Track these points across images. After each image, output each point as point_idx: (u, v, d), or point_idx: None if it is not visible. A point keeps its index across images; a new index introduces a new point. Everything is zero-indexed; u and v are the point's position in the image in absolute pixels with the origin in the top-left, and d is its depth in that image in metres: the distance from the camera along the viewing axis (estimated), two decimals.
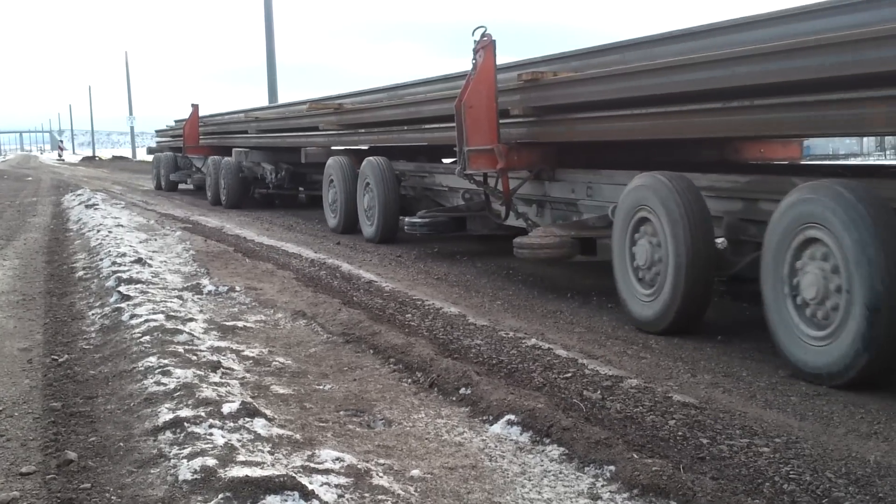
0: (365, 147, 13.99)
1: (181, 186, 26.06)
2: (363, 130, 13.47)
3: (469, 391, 5.13)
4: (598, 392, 5.13)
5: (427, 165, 12.18)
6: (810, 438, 4.32)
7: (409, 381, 5.53)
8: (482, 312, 7.45)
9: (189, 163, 24.32)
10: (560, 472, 4.02)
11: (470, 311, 7.47)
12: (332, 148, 14.85)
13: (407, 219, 10.82)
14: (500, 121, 8.58)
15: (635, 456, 4.00)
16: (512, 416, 4.63)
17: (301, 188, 18.70)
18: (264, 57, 33.04)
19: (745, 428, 4.48)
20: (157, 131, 31.13)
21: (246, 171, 19.19)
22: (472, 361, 5.86)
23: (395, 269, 9.85)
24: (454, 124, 8.77)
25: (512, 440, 4.45)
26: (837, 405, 4.87)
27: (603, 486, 3.85)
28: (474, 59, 8.43)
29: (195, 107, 22.61)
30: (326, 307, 7.46)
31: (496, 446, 4.38)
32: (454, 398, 5.14)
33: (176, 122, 27.33)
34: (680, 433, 4.44)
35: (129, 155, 76.72)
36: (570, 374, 5.48)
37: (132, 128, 78.40)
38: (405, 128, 12.05)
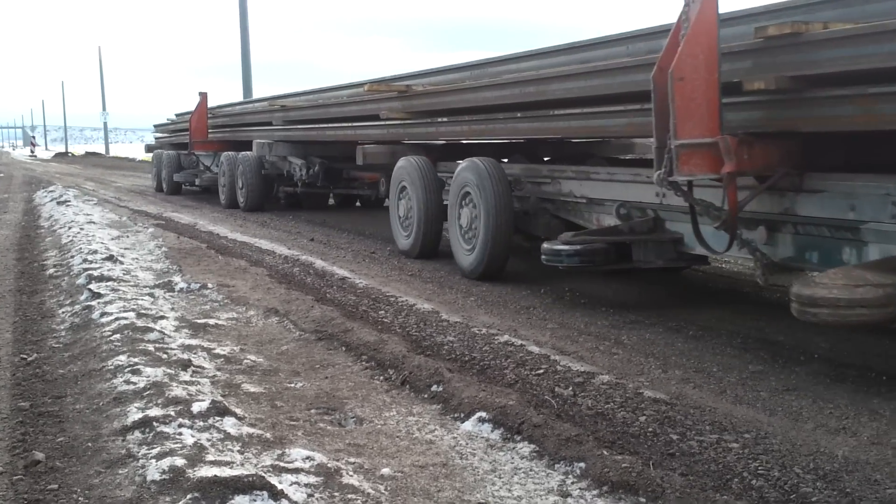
0: (441, 142, 11.55)
1: (186, 188, 22.70)
2: (445, 119, 10.26)
3: (441, 388, 5.13)
4: (570, 388, 5.14)
5: (554, 168, 8.93)
6: (779, 434, 4.35)
7: (382, 378, 5.53)
8: (455, 309, 7.45)
9: (195, 161, 21.51)
10: (530, 470, 4.03)
11: (443, 307, 7.46)
12: (392, 143, 12.19)
13: (546, 245, 7.53)
14: (723, 100, 5.72)
15: (605, 452, 4.02)
16: (483, 414, 4.63)
17: (332, 186, 16.05)
18: (239, 53, 32.88)
19: (715, 423, 4.50)
20: (155, 126, 27.83)
21: (269, 167, 16.80)
22: (444, 358, 5.86)
23: (369, 266, 9.83)
24: (602, 109, 7.17)
25: (483, 437, 4.45)
26: (807, 400, 4.91)
27: (573, 483, 3.86)
28: (685, 8, 5.65)
29: (203, 96, 19.86)
30: (299, 304, 7.43)
31: (467, 444, 4.38)
32: (426, 395, 5.13)
33: (177, 115, 24.82)
34: (650, 429, 4.45)
35: (103, 151, 76.15)
36: (542, 371, 5.49)
37: (105, 123, 77.84)
38: (518, 115, 8.82)
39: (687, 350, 6.02)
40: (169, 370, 5.27)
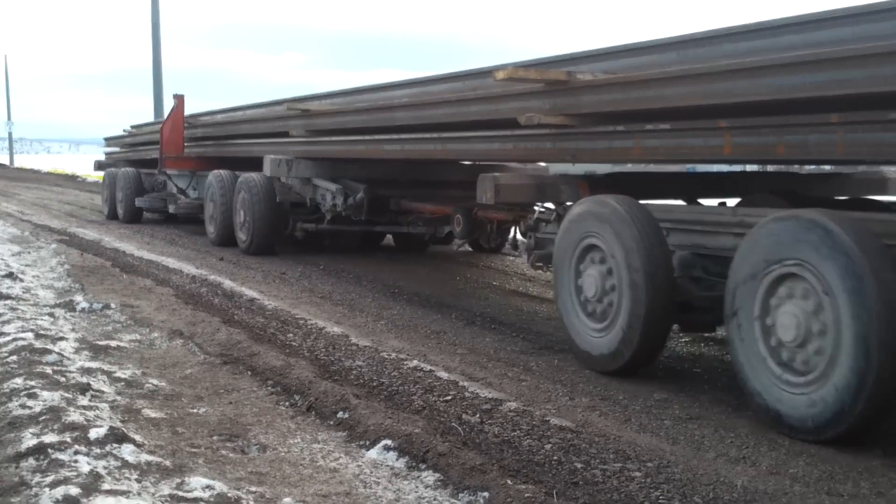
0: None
1: (148, 216, 18.30)
2: (650, 128, 6.38)
3: (347, 415, 5.07)
4: (478, 415, 5.14)
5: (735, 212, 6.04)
6: (681, 462, 4.40)
7: (287, 404, 5.44)
8: (365, 332, 7.40)
9: (161, 182, 17.14)
10: (434, 499, 4.00)
11: (353, 330, 7.41)
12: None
13: None
14: None
15: (509, 482, 4.01)
16: (389, 441, 4.59)
17: (377, 221, 11.92)
18: (150, 62, 32.34)
19: (619, 452, 4.54)
20: (107, 140, 23.47)
21: (284, 193, 12.32)
22: (352, 384, 5.80)
23: (279, 287, 9.71)
24: None
25: (388, 466, 4.41)
26: (709, 429, 4.98)
27: None
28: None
29: (179, 99, 16.07)
30: (205, 326, 7.29)
31: (371, 472, 4.33)
32: (332, 422, 5.07)
33: (133, 127, 21.21)
34: (555, 458, 4.47)
35: (6, 162, 74.07)
36: (450, 397, 5.47)
37: (10, 133, 75.77)
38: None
39: (594, 377, 6.07)
40: (67, 394, 5.11)
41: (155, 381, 5.78)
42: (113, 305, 8.14)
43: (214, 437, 4.79)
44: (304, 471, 4.34)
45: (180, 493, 3.87)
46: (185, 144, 15.84)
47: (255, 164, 12.67)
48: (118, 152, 21.55)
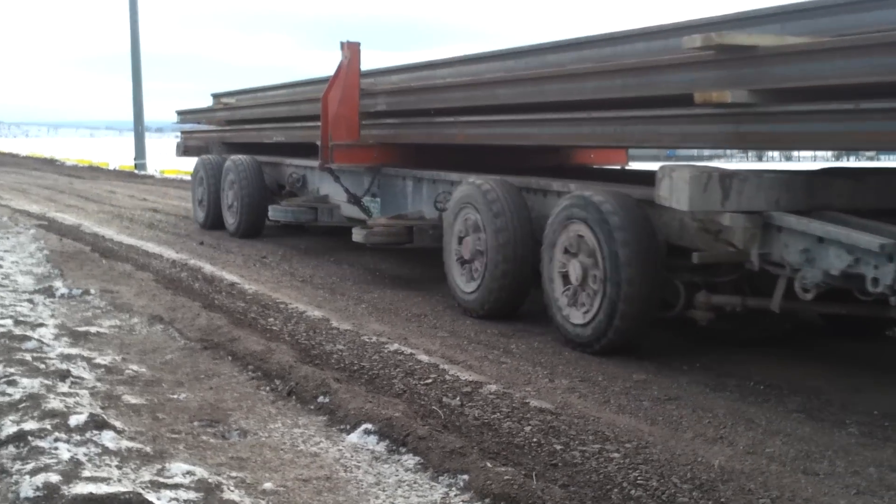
0: None
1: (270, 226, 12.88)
2: None
3: (328, 399, 5.09)
4: (458, 398, 5.16)
5: None
6: (659, 443, 4.44)
7: (268, 388, 5.45)
8: (346, 316, 7.41)
9: (299, 178, 11.97)
10: (414, 482, 4.02)
11: (334, 314, 7.41)
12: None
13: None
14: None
15: (489, 464, 4.04)
16: (369, 425, 4.61)
17: None
18: (128, 45, 32.08)
19: (598, 433, 4.57)
20: (181, 113, 17.03)
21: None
22: (333, 368, 5.81)
23: (260, 271, 9.70)
24: None
25: (368, 450, 4.43)
26: (687, 410, 5.02)
27: (456, 495, 3.87)
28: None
29: (352, 50, 9.56)
30: (185, 311, 7.28)
31: (352, 456, 4.35)
32: (312, 407, 5.08)
33: (231, 94, 15.42)
34: (535, 440, 4.50)
35: None
36: (430, 381, 5.50)
37: None
38: None
39: (574, 359, 6.11)
40: (46, 381, 5.10)
41: (135, 367, 5.77)
42: (92, 291, 8.11)
43: (195, 423, 4.79)
44: (284, 455, 4.35)
45: (161, 479, 3.87)
46: (361, 125, 9.70)
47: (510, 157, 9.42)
48: (209, 131, 15.65)
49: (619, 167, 10.14)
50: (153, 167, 31.23)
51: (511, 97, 7.69)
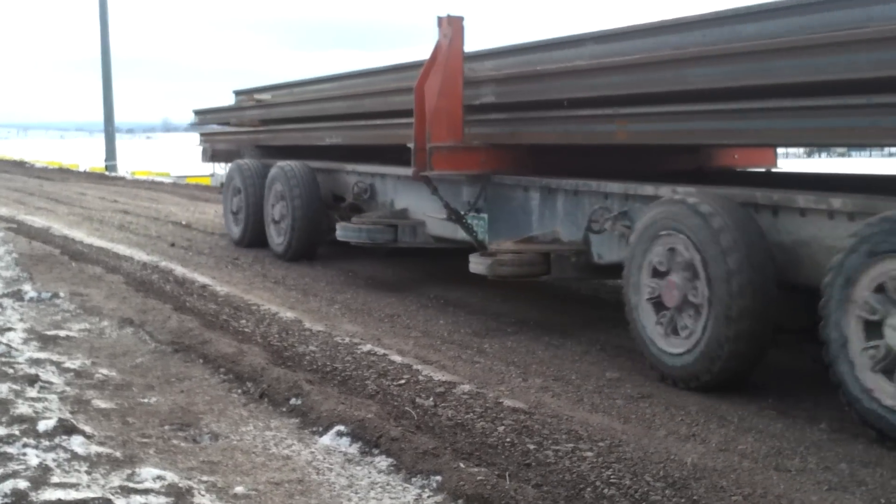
0: None
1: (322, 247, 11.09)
2: None
3: (300, 401, 5.06)
4: (431, 399, 5.14)
5: None
6: (632, 441, 4.44)
7: (239, 391, 5.41)
8: (319, 317, 7.37)
9: (366, 188, 9.76)
10: (387, 484, 4.01)
11: (306, 315, 7.38)
12: None
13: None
14: None
15: (462, 465, 4.02)
16: (342, 427, 4.58)
17: None
18: (99, 46, 31.81)
19: (572, 432, 4.57)
20: (198, 113, 14.79)
21: None
22: (305, 369, 5.78)
23: (231, 273, 9.64)
24: None
25: (341, 452, 4.41)
26: (660, 407, 5.03)
27: (429, 497, 3.85)
28: None
29: (455, 26, 7.47)
30: (156, 314, 7.22)
31: (324, 458, 4.33)
32: (284, 409, 5.05)
33: (242, 93, 13.53)
34: (508, 439, 4.49)
35: None
36: (403, 381, 5.47)
37: None
38: None
39: (547, 358, 6.11)
40: (15, 386, 5.04)
41: (105, 371, 5.72)
42: (62, 294, 8.03)
43: (166, 427, 4.75)
44: (256, 459, 4.32)
45: (131, 485, 3.84)
46: (466, 120, 7.66)
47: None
48: (238, 133, 13.43)
49: (764, 170, 8.43)
50: (124, 168, 31.03)
51: (713, 80, 5.68)
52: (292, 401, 5.10)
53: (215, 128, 15.11)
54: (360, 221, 9.04)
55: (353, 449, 4.41)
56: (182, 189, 22.63)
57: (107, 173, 29.91)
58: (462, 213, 7.81)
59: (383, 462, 4.22)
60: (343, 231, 9.09)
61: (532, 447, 4.38)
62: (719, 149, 8.09)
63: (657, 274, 5.64)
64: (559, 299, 8.15)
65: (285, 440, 4.59)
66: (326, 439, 4.54)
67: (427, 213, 8.56)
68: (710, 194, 5.56)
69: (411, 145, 7.54)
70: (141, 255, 10.65)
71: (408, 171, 7.94)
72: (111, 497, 3.60)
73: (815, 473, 4.06)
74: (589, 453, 4.28)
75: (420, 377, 5.53)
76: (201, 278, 9.06)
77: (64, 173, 30.32)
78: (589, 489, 3.90)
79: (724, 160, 8.25)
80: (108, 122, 32.23)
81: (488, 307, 7.78)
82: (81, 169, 32.72)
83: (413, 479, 4.02)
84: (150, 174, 28.83)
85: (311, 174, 10.34)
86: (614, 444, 4.39)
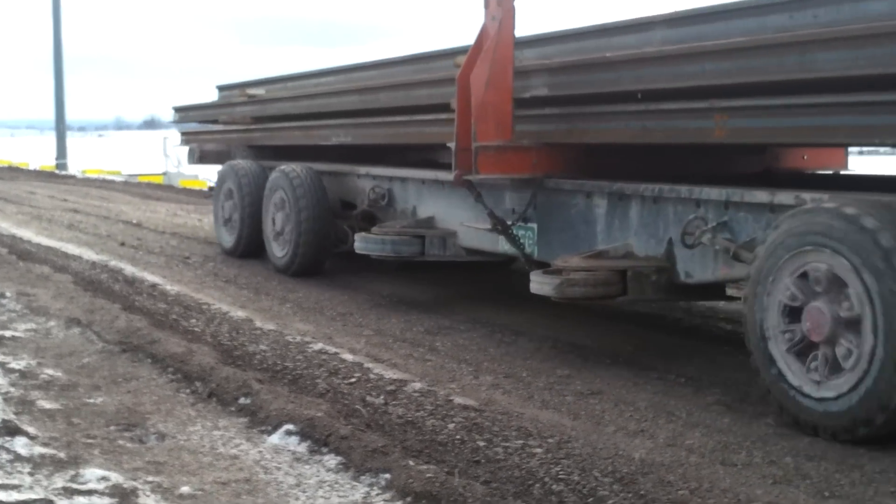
0: None
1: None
2: None
3: (249, 401, 5.02)
4: (382, 397, 5.13)
5: None
6: (581, 438, 4.46)
7: (188, 391, 5.36)
8: (270, 316, 7.32)
9: (383, 194, 8.68)
10: (336, 483, 3.99)
11: (258, 314, 7.32)
12: None
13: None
14: None
15: (411, 463, 4.01)
16: (291, 426, 4.56)
17: None
18: (51, 43, 31.39)
19: (521, 429, 4.57)
20: (178, 110, 13.57)
21: None
22: (255, 369, 5.74)
23: (182, 272, 9.54)
24: None
25: (289, 451, 4.38)
26: (609, 404, 5.05)
27: (377, 494, 3.84)
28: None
29: (505, 11, 6.37)
30: (104, 314, 7.12)
31: (273, 458, 4.30)
32: (233, 408, 5.01)
33: (227, 88, 12.68)
34: (458, 437, 4.48)
35: None
36: (354, 380, 5.45)
37: None
38: None
39: (499, 355, 6.11)
40: None
41: (50, 372, 5.64)
42: (8, 294, 7.90)
43: (111, 428, 4.69)
44: (203, 458, 4.28)
45: (74, 486, 3.79)
46: (515, 115, 6.59)
47: None
48: (227, 132, 12.08)
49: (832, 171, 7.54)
50: (75, 167, 30.61)
51: (849, 66, 4.62)
52: (241, 400, 5.06)
53: (193, 125, 13.79)
54: (383, 232, 7.89)
55: (302, 448, 4.38)
56: (133, 188, 22.40)
57: (57, 172, 29.50)
58: (510, 223, 6.76)
59: (332, 460, 4.20)
60: (363, 243, 7.95)
61: (482, 444, 4.38)
62: (788, 149, 7.18)
63: (794, 304, 4.62)
64: (513, 297, 8.16)
65: (233, 440, 4.55)
66: (275, 438, 4.51)
67: (462, 222, 7.48)
68: (869, 203, 4.46)
69: (451, 145, 6.54)
70: (90, 255, 10.50)
71: (434, 174, 7.62)
72: (53, 498, 3.55)
73: (761, 467, 4.10)
74: (538, 449, 4.29)
75: (371, 375, 5.51)
76: (151, 277, 8.96)
77: (13, 172, 29.85)
78: (537, 485, 3.90)
79: (792, 161, 7.33)
80: (59, 120, 31.83)
81: (441, 305, 7.78)
82: (31, 167, 32.26)
83: (362, 478, 4.00)
84: (101, 172, 28.48)
85: (318, 179, 9.16)
86: (563, 441, 4.40)
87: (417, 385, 5.30)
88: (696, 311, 7.38)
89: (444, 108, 7.04)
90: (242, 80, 12.52)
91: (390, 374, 5.55)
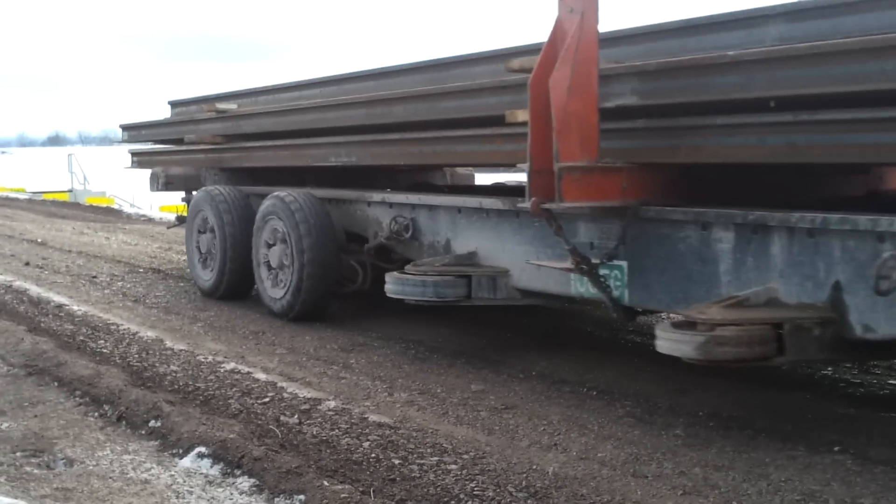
0: None
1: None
2: None
3: (160, 423, 4.94)
4: (296, 416, 5.09)
5: None
6: (496, 453, 4.49)
7: (96, 414, 5.25)
8: (181, 336, 7.21)
9: (406, 224, 7.21)
10: None
11: (168, 334, 7.21)
12: None
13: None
14: None
15: (326, 483, 3.99)
16: (203, 448, 4.49)
17: None
18: None
19: (437, 445, 4.59)
20: (127, 128, 11.87)
21: None
22: (166, 390, 5.64)
23: (89, 291, 9.33)
24: None
25: (202, 474, 4.32)
26: (523, 418, 5.10)
27: None
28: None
29: (587, 5, 5.13)
30: (8, 336, 6.93)
31: (185, 481, 4.23)
32: (143, 431, 4.92)
33: (182, 104, 11.44)
34: (373, 455, 4.48)
35: None
36: (268, 399, 5.41)
37: None
38: None
39: (413, 371, 6.12)
40: None
41: None
42: None
43: (17, 454, 4.56)
44: (113, 484, 4.19)
45: None
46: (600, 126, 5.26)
47: None
48: (194, 151, 10.24)
49: None
50: None
51: None
52: (152, 423, 4.97)
53: (147, 146, 12.03)
54: (421, 271, 6.46)
55: (215, 470, 4.32)
56: (38, 205, 21.87)
57: None
58: (597, 260, 5.43)
59: (245, 483, 4.15)
60: (398, 285, 6.48)
61: (397, 462, 4.38)
62: (891, 169, 6.18)
63: None
64: (426, 313, 8.17)
65: (144, 464, 4.47)
66: (187, 461, 4.44)
67: (526, 258, 6.12)
68: None
69: (524, 166, 5.25)
70: None
71: (478, 201, 6.58)
72: None
73: (671, 478, 4.18)
74: (453, 466, 4.31)
75: (285, 395, 5.47)
76: (57, 298, 8.75)
77: None
78: (453, 502, 3.92)
79: None
80: None
81: (355, 322, 7.75)
82: None
83: (276, 499, 3.97)
84: (5, 190, 27.71)
85: (322, 207, 7.89)
86: (478, 456, 4.43)
87: (332, 403, 5.28)
88: (606, 324, 7.50)
89: (483, 122, 6.23)
90: (193, 95, 11.29)
91: (304, 392, 5.52)
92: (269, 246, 8.10)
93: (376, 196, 7.64)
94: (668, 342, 4.64)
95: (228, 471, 4.29)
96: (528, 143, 5.17)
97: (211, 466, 4.35)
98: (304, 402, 5.31)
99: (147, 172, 10.85)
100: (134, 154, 11.73)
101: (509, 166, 6.55)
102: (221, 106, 9.93)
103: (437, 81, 7.24)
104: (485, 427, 4.95)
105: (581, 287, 5.72)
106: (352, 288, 7.69)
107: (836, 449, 4.48)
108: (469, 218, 6.67)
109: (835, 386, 5.73)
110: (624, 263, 5.49)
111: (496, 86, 6.16)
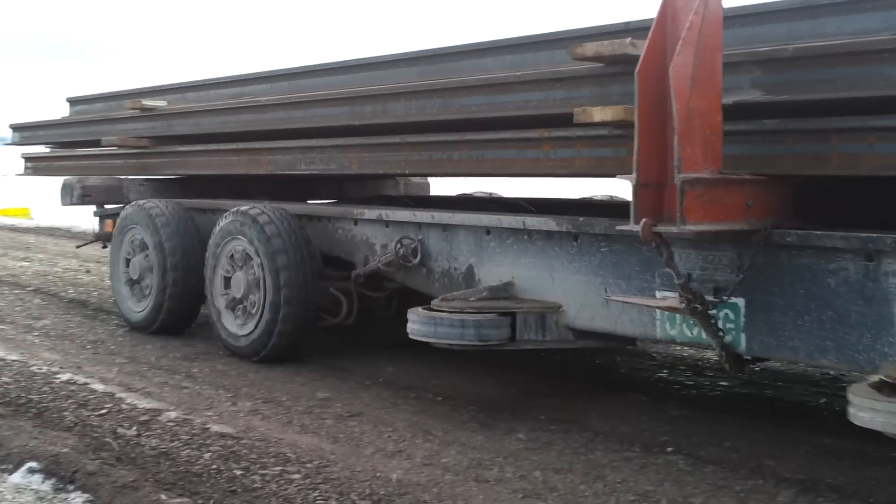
0: None
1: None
2: None
3: None
4: (134, 428, 4.95)
5: None
6: (340, 461, 4.47)
7: None
8: (14, 346, 6.92)
9: (413, 248, 5.89)
10: None
11: (0, 344, 6.89)
12: None
13: None
14: None
15: (164, 497, 3.90)
16: (34, 464, 4.31)
17: None
18: None
19: (280, 455, 4.53)
20: (16, 128, 10.01)
21: None
22: None
23: None
24: None
25: (32, 490, 4.14)
26: (368, 425, 5.09)
27: None
28: None
29: None
30: None
31: (14, 498, 4.05)
32: None
33: (82, 101, 9.82)
34: (214, 466, 4.39)
35: None
36: (105, 411, 5.24)
37: None
38: None
39: (258, 380, 6.03)
40: None
41: None
42: None
43: None
44: None
45: None
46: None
47: None
48: (103, 157, 8.77)
49: None
50: None
51: None
52: None
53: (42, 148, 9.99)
54: (456, 307, 5.19)
55: (46, 486, 4.15)
56: None
57: None
58: (714, 298, 4.34)
59: (78, 499, 4.00)
60: (427, 326, 5.19)
61: (239, 473, 4.31)
62: None
63: None
64: None
65: None
66: (16, 477, 4.25)
67: (595, 293, 4.94)
68: None
69: (631, 177, 4.02)
70: None
71: (521, 220, 5.35)
72: None
73: (512, 482, 4.25)
74: (296, 475, 4.27)
75: (123, 406, 5.32)
76: None
77: None
78: None
79: None
80: None
81: (198, 330, 7.59)
82: None
83: None
84: None
85: (298, 225, 6.57)
86: (322, 465, 4.40)
87: (173, 414, 5.16)
88: None
89: (516, 123, 5.24)
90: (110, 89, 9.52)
91: (144, 403, 5.37)
92: (230, 272, 6.74)
93: (368, 213, 6.35)
94: (864, 414, 3.55)
95: (61, 486, 4.13)
96: (634, 149, 4.02)
97: (42, 482, 4.18)
98: (144, 413, 5.17)
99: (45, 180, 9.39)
100: (28, 158, 9.89)
101: (566, 177, 5.33)
102: (148, 102, 8.31)
103: (433, 75, 6.21)
104: (330, 435, 4.92)
105: (672, 329, 4.65)
106: (332, 322, 6.51)
107: (669, 450, 4.65)
108: (502, 240, 5.43)
109: (669, 388, 5.95)
110: (741, 301, 4.39)
111: (551, 77, 4.96)
